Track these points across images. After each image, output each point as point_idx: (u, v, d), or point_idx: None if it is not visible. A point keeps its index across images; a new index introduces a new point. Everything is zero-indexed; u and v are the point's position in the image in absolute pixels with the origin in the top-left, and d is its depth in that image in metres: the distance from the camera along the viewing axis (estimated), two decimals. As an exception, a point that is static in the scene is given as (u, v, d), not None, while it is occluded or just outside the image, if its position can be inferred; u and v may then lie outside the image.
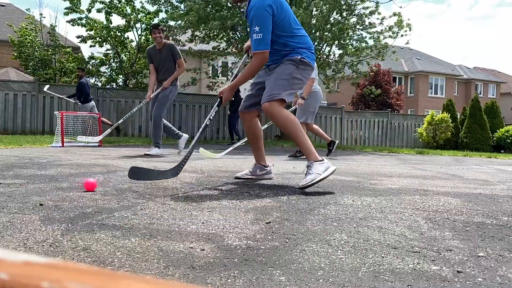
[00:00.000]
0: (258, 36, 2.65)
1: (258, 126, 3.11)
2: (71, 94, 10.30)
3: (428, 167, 5.27)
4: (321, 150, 6.55)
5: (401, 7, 12.96)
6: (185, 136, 5.89)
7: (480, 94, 34.42)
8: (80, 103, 9.85)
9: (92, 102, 9.93)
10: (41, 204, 1.87)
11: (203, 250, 1.28)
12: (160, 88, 5.52)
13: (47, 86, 10.72)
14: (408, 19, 13.44)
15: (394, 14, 12.46)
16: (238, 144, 4.90)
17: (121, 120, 6.32)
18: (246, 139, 5.02)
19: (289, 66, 2.77)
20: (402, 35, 12.74)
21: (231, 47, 13.30)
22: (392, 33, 12.55)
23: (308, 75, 2.84)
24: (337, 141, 6.63)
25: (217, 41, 13.38)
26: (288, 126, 2.72)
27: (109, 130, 6.50)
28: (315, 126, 6.38)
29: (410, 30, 12.59)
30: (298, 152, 6.31)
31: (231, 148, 4.63)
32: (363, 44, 12.95)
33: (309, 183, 2.56)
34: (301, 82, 2.83)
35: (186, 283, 1.01)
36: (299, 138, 2.72)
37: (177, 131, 5.85)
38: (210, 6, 11.68)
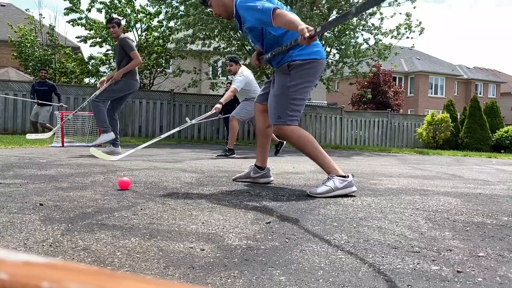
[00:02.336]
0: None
1: (267, 123, 2.88)
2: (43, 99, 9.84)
3: (428, 167, 5.27)
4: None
5: (400, 13, 12.91)
6: (111, 135, 5.28)
7: (480, 94, 34.42)
8: (61, 103, 9.73)
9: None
10: (41, 204, 1.87)
11: (203, 250, 1.28)
12: (110, 81, 5.24)
13: None
14: (417, 20, 13.28)
15: (407, 15, 12.36)
16: (139, 147, 4.70)
17: (70, 115, 6.35)
18: (146, 144, 4.80)
19: (282, 78, 2.59)
20: (408, 37, 12.63)
21: (231, 46, 13.29)
22: (397, 34, 12.49)
23: (314, 69, 2.57)
24: (284, 143, 6.41)
25: (217, 41, 13.38)
26: (305, 145, 2.55)
27: (55, 129, 6.42)
28: (237, 125, 6.17)
29: (421, 33, 12.51)
30: (227, 151, 5.87)
31: (132, 151, 4.49)
32: (364, 46, 12.92)
33: (319, 195, 2.40)
34: (303, 84, 2.57)
35: (186, 283, 1.01)
36: (316, 157, 2.54)
37: (113, 132, 5.31)
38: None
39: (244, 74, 5.68)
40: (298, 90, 2.57)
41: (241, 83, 5.62)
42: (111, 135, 5.22)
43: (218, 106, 5.46)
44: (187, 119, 5.78)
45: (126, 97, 5.52)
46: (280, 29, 2.53)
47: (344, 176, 2.48)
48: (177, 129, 5.19)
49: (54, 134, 6.61)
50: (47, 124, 9.79)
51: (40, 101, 9.64)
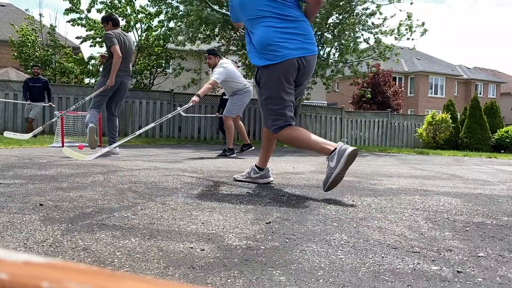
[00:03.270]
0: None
1: None
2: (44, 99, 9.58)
3: (428, 167, 5.27)
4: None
5: (401, 10, 12.93)
6: (111, 147, 4.94)
7: (480, 94, 34.43)
8: (49, 103, 9.49)
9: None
10: (41, 204, 1.87)
11: (203, 250, 1.28)
12: (103, 87, 5.21)
13: None
14: (418, 20, 13.26)
15: (408, 16, 12.35)
16: (110, 147, 4.71)
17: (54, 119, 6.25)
18: (121, 141, 4.80)
19: (257, 91, 2.70)
20: (409, 39, 12.63)
21: (231, 46, 13.28)
22: (398, 34, 12.48)
23: (276, 74, 2.53)
24: (253, 147, 6.20)
25: (217, 41, 13.39)
26: (293, 143, 2.61)
27: (36, 130, 6.28)
28: (241, 122, 6.07)
29: (423, 34, 12.51)
30: (227, 150, 5.78)
31: (105, 150, 4.49)
32: (363, 45, 12.91)
33: (328, 187, 2.38)
34: (272, 93, 2.57)
35: (186, 283, 1.01)
36: (310, 149, 2.54)
37: (115, 138, 5.29)
38: (209, 5, 11.69)
39: (224, 66, 5.51)
40: (271, 101, 2.60)
41: (221, 74, 5.41)
42: (92, 112, 5.16)
43: (195, 98, 5.33)
44: (178, 107, 5.76)
45: (117, 96, 5.36)
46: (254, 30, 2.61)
47: (333, 150, 2.35)
48: (164, 118, 5.16)
49: (35, 136, 6.41)
50: (33, 122, 9.47)
51: (33, 103, 9.34)
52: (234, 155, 5.86)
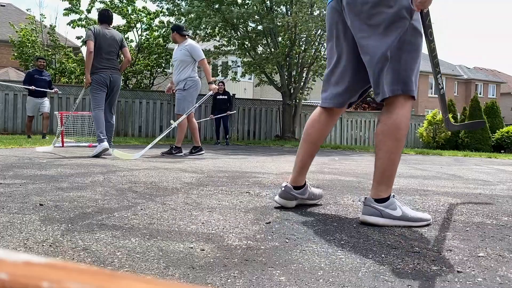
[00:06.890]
0: None
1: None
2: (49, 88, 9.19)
3: (428, 167, 5.27)
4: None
5: None
6: (103, 145, 4.85)
7: (480, 94, 34.44)
8: (55, 89, 9.23)
9: None
10: (41, 204, 1.87)
11: (203, 250, 1.28)
12: (84, 87, 5.28)
13: None
14: None
15: None
16: (148, 147, 4.79)
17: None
18: (154, 141, 4.92)
19: None
20: None
21: (231, 45, 13.28)
22: None
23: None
24: (203, 151, 5.85)
25: (218, 41, 13.38)
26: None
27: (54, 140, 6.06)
28: (195, 122, 5.84)
29: None
30: (174, 148, 5.62)
31: (149, 146, 4.58)
32: None
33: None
34: None
35: (186, 283, 1.01)
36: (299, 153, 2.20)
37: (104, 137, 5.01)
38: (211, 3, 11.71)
39: (196, 44, 5.71)
40: None
41: (201, 50, 5.67)
42: (94, 117, 5.13)
43: (214, 86, 5.57)
44: (171, 122, 5.67)
45: (110, 94, 5.29)
46: None
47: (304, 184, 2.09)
48: (163, 134, 5.26)
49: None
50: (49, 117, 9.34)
51: (38, 99, 9.01)
52: (182, 154, 5.64)
